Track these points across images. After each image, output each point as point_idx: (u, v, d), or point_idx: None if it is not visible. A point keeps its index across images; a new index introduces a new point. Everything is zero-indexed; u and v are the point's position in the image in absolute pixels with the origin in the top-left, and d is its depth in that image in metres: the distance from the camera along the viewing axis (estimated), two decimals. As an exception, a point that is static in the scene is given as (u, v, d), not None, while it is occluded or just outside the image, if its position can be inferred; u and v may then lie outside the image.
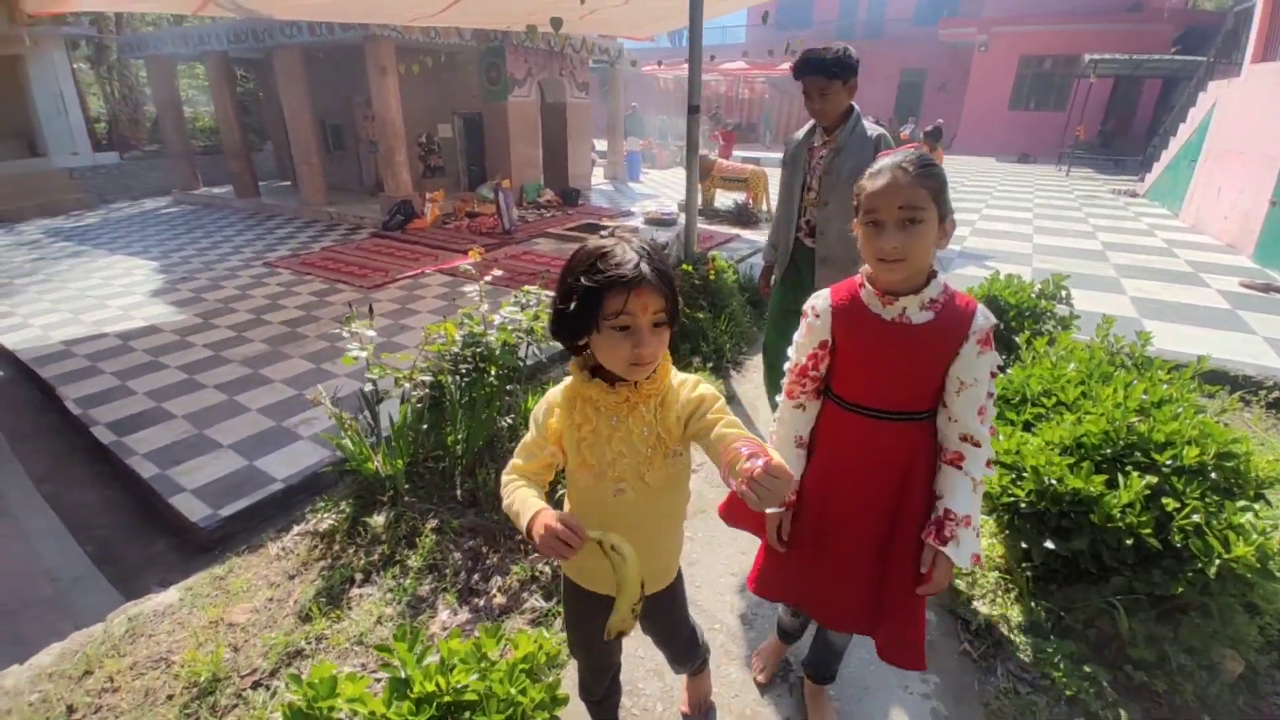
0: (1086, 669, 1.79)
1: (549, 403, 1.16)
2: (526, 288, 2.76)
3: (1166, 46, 17.96)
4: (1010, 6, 20.53)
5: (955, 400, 1.22)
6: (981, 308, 1.20)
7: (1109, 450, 1.84)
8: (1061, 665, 1.82)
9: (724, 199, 10.25)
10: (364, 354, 2.46)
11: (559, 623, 1.96)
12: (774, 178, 10.27)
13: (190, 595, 2.19)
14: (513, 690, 1.26)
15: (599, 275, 0.96)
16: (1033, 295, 3.32)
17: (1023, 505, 1.84)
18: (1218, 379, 3.57)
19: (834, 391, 1.33)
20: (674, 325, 1.05)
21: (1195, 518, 1.64)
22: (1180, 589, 1.64)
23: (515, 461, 1.16)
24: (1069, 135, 17.28)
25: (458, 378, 2.62)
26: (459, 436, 2.63)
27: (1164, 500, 1.69)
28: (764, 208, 9.67)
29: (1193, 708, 1.69)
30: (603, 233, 1.13)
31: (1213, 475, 1.72)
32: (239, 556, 2.37)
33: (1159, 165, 11.55)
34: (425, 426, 2.60)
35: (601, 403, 1.08)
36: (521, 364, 2.69)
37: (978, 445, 1.24)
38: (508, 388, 2.68)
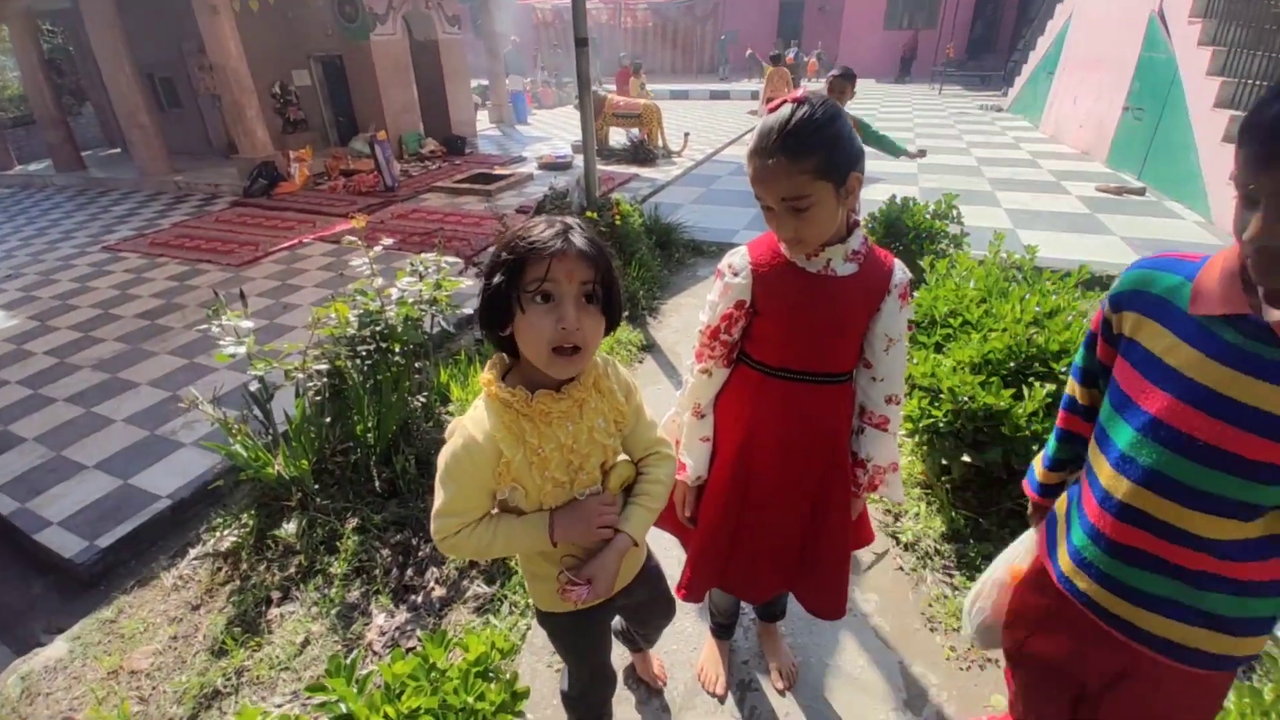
0: (1003, 566, 1.95)
1: (478, 447, 0.95)
2: (423, 256, 2.52)
3: (1020, -40, 18.81)
4: (880, -78, 20.67)
5: (883, 359, 1.19)
6: (898, 262, 1.18)
7: (1013, 364, 1.95)
8: (982, 566, 1.96)
9: (618, 136, 9.94)
10: (241, 349, 2.17)
11: (506, 607, 1.89)
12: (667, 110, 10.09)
13: (80, 645, 1.92)
14: (470, 699, 1.18)
15: (521, 245, 0.89)
16: (928, 216, 3.44)
17: (941, 426, 1.92)
18: (1089, 282, 3.91)
19: (755, 358, 1.23)
20: (612, 314, 0.96)
21: (1091, 418, 1.77)
22: (1080, 484, 1.79)
23: (446, 523, 0.98)
24: (940, 53, 17.99)
25: (358, 361, 2.39)
26: (369, 425, 2.42)
27: (1063, 406, 1.81)
28: (660, 144, 9.47)
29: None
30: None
31: (1102, 377, 1.86)
32: (128, 594, 2.10)
33: (1020, 80, 12.30)
34: (328, 419, 2.37)
35: (553, 412, 0.97)
36: (427, 337, 2.48)
37: (899, 403, 1.26)
38: (416, 365, 2.48)
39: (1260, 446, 0.76)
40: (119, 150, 11.74)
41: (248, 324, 2.31)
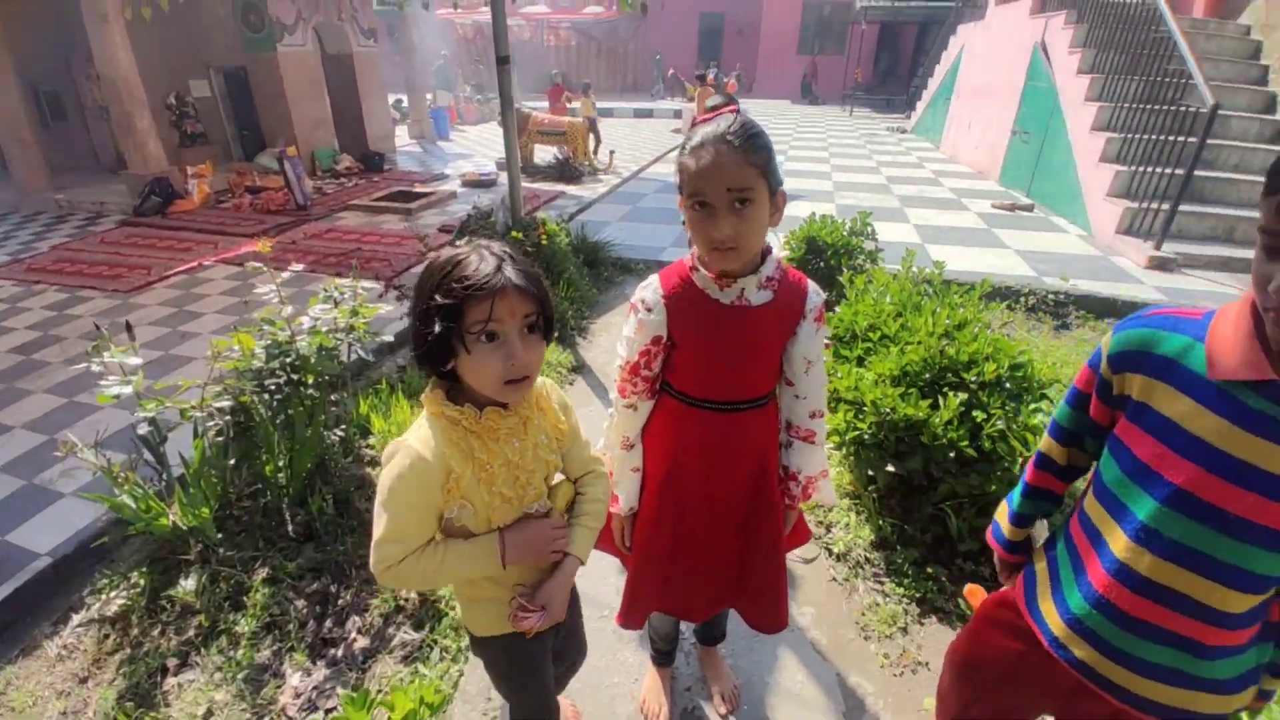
0: (929, 570, 2.03)
1: (426, 464, 0.93)
2: (338, 281, 2.38)
3: (917, -7, 20.26)
4: (790, -49, 21.74)
5: (804, 379, 1.21)
6: (812, 283, 1.19)
7: (928, 375, 2.04)
8: (909, 571, 2.03)
9: (543, 153, 9.89)
10: (127, 389, 1.97)
11: (436, 653, 1.78)
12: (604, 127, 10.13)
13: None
14: (394, 766, 1.09)
15: (456, 287, 0.86)
16: (845, 234, 3.59)
17: (866, 438, 1.98)
18: (990, 294, 4.19)
19: (676, 389, 1.22)
20: (549, 335, 0.97)
21: (1000, 425, 1.87)
22: (993, 487, 1.89)
23: (389, 551, 0.93)
24: (850, 78, 19.05)
25: (266, 396, 2.22)
26: (280, 464, 2.25)
27: (974, 413, 1.91)
28: (585, 161, 9.49)
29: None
30: (457, 242, 1.00)
31: (1008, 385, 1.98)
32: (13, 664, 1.84)
33: (921, 105, 13.18)
34: (233, 460, 2.18)
35: (501, 429, 0.98)
36: (344, 367, 2.34)
37: (823, 416, 1.28)
38: (332, 397, 2.33)
39: None
40: (-7, 167, 10.59)
41: (134, 360, 2.10)
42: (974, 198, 7.37)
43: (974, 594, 1.26)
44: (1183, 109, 4.94)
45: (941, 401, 1.92)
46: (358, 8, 10.50)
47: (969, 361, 2.03)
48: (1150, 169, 5.16)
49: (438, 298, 0.87)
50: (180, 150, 9.81)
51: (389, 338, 2.38)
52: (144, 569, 2.04)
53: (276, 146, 9.53)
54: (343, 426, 2.44)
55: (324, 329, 2.21)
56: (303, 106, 9.73)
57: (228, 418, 2.18)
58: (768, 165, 1.03)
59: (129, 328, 2.31)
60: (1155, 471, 0.80)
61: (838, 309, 2.60)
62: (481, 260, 0.88)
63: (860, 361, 2.27)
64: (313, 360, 2.14)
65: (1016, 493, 1.10)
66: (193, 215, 7.69)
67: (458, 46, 21.97)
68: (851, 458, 2.14)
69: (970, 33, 10.26)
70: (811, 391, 1.23)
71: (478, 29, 21.78)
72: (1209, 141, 4.73)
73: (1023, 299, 4.15)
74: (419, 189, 8.54)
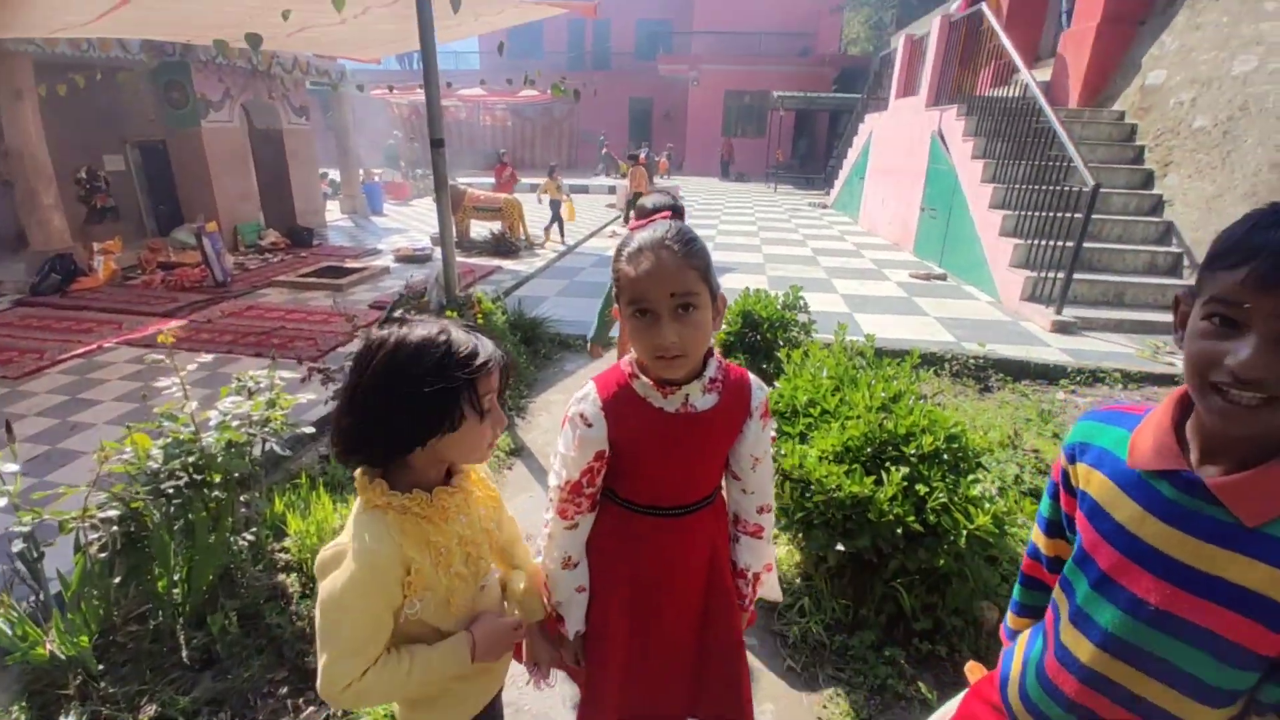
0: (886, 653, 1.97)
1: (384, 564, 0.89)
2: (252, 373, 2.21)
3: (829, 85, 22.35)
4: (712, 46, 23.66)
5: (752, 475, 1.19)
6: (754, 378, 1.17)
7: (869, 449, 2.06)
8: (867, 656, 1.97)
9: (479, 229, 9.94)
10: (2, 501, 1.71)
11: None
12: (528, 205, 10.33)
13: None
14: None
15: (471, 365, 0.90)
16: (778, 307, 3.70)
17: (815, 519, 1.95)
18: (920, 363, 4.38)
19: (621, 496, 1.17)
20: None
21: (942, 498, 1.89)
22: (941, 561, 1.88)
23: (347, 666, 0.87)
24: (771, 158, 20.45)
25: (163, 500, 1.98)
26: (177, 577, 1.99)
27: (917, 487, 1.92)
28: (522, 236, 9.59)
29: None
30: (399, 315, 1.02)
31: (945, 457, 2.01)
32: None
33: (838, 182, 14.23)
34: (118, 578, 1.92)
35: (451, 507, 0.99)
36: (255, 464, 2.13)
37: (770, 510, 1.25)
38: (242, 498, 2.11)
39: (1235, 624, 0.70)
40: None
41: (11, 466, 1.85)
42: (893, 268, 7.87)
43: (974, 670, 1.22)
44: (1067, 189, 5.50)
45: (885, 477, 1.93)
46: (289, 87, 10.51)
47: (907, 434, 2.06)
48: (1044, 242, 5.66)
49: (440, 381, 0.87)
50: (88, 226, 9.28)
51: (309, 428, 2.21)
52: (23, 703, 1.73)
53: (195, 222, 9.17)
54: (253, 529, 2.21)
55: (234, 423, 2.02)
56: (226, 181, 9.47)
57: (114, 529, 1.93)
58: (707, 269, 1.02)
59: (9, 429, 2.04)
60: (1090, 556, 0.82)
61: (777, 384, 2.63)
62: (471, 336, 0.93)
63: (802, 438, 2.27)
64: (219, 459, 1.94)
65: (1017, 583, 1.10)
66: (97, 294, 7.18)
67: (391, 126, 22.28)
68: (801, 537, 2.09)
69: (876, 120, 11.27)
70: (759, 487, 1.21)
71: (413, 109, 22.21)
72: (1094, 216, 5.27)
73: (947, 364, 4.36)
74: (350, 264, 8.35)
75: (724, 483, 1.24)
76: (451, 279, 3.96)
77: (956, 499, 1.89)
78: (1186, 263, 5.94)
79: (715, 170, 23.18)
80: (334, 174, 14.42)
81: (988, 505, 1.88)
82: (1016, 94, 6.73)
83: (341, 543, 0.91)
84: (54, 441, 3.84)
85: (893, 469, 1.94)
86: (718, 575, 1.23)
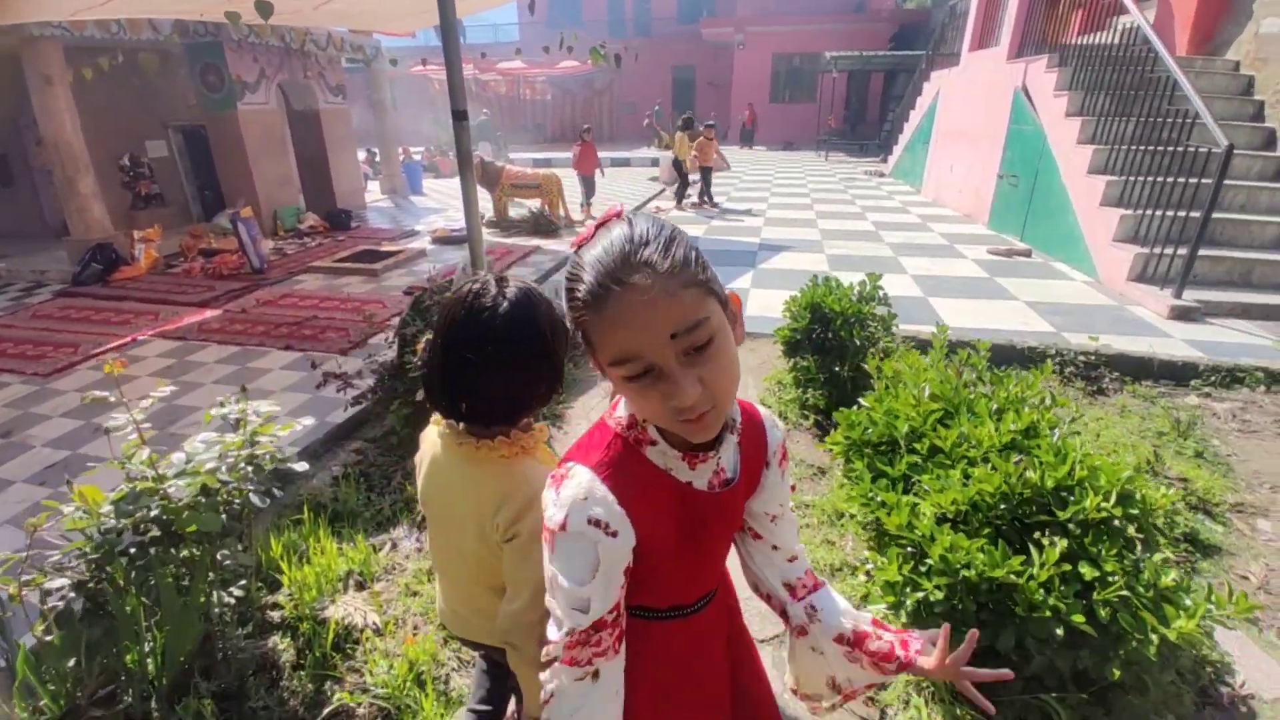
0: (1027, 781, 1.49)
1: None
2: (242, 405, 1.84)
3: (885, 43, 20.87)
4: (760, 7, 22.39)
5: (774, 529, 0.93)
6: (767, 414, 0.91)
7: (1003, 506, 1.55)
8: (1001, 782, 1.49)
9: (518, 207, 9.56)
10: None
11: None
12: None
13: None
14: None
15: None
16: (853, 299, 3.16)
17: (936, 605, 1.47)
18: (1005, 355, 3.77)
19: (631, 604, 0.81)
20: None
21: (1119, 588, 1.37)
22: (1117, 673, 1.37)
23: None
24: (822, 124, 19.30)
25: (124, 561, 1.65)
26: (151, 647, 1.67)
27: (1080, 568, 1.41)
28: (561, 213, 9.15)
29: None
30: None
31: (1117, 523, 1.49)
32: None
33: (898, 148, 13.20)
34: (72, 660, 1.60)
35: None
36: (233, 518, 1.77)
37: (801, 558, 0.97)
38: (222, 553, 1.76)
39: None
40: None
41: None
42: (967, 243, 7.09)
43: None
44: (1188, 149, 4.68)
45: (1035, 555, 1.42)
46: (324, 65, 10.25)
47: (1059, 489, 1.54)
48: (1158, 212, 4.87)
49: None
50: (133, 213, 9.32)
51: (300, 465, 1.83)
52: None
53: (236, 206, 9.09)
54: (241, 584, 1.87)
55: (206, 468, 1.66)
56: (264, 165, 9.33)
57: (70, 594, 1.61)
58: (706, 274, 0.67)
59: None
60: None
61: (863, 402, 2.12)
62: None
63: (907, 482, 1.77)
64: (185, 515, 1.58)
65: None
66: (137, 283, 7.13)
67: (437, 100, 22.06)
68: (911, 624, 1.61)
69: (945, 78, 10.26)
70: (785, 539, 0.94)
71: (453, 84, 21.90)
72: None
73: (1048, 361, 3.71)
74: (386, 247, 8.08)
75: (739, 544, 0.97)
76: (480, 267, 3.55)
77: (1140, 589, 1.38)
78: (1329, 234, 5.04)
79: (762, 139, 22.08)
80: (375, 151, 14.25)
81: (1190, 603, 1.35)
82: (1119, 41, 5.82)
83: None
84: (74, 446, 3.66)
85: (1045, 543, 1.43)
86: (742, 648, 1.01)
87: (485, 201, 10.06)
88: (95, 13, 5.11)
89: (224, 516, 1.65)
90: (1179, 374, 3.67)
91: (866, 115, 22.32)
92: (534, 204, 9.30)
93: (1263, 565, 2.18)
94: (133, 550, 1.63)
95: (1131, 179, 5.26)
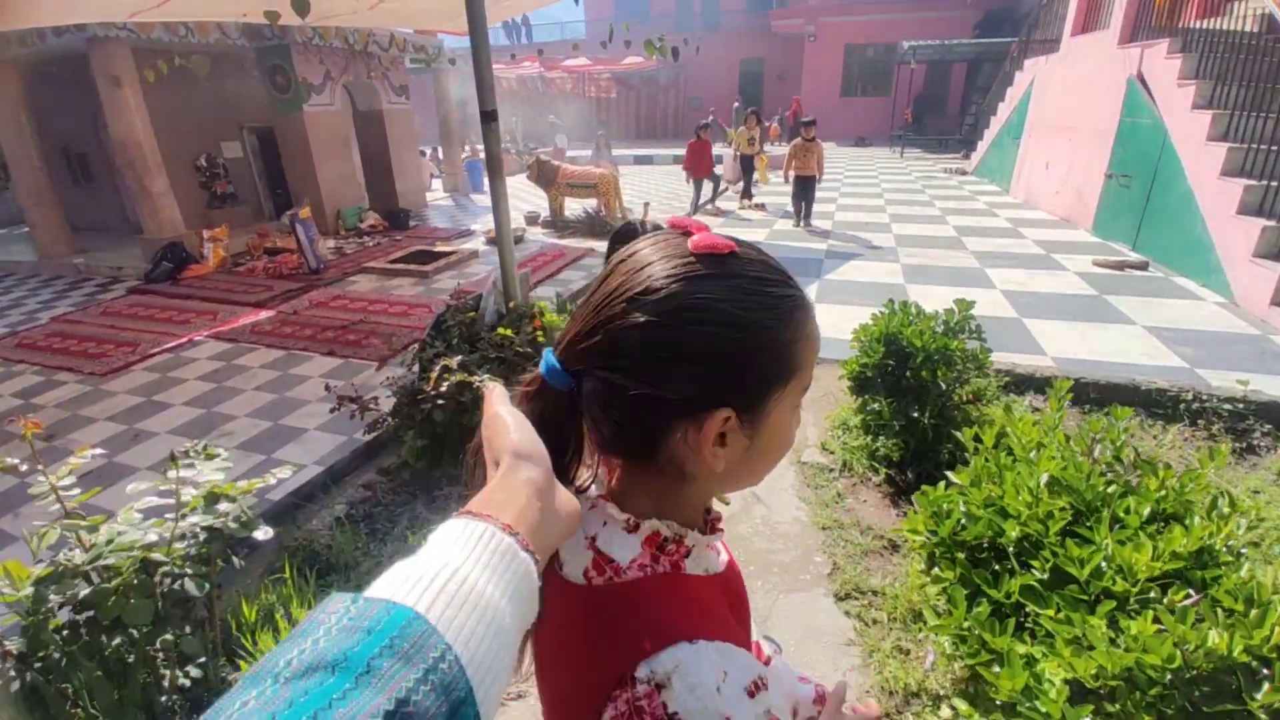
0: None
1: None
2: (208, 448, 1.57)
3: (970, 32, 19.46)
4: (832, -4, 21.36)
5: None
6: None
7: (1176, 690, 1.07)
8: None
9: (574, 207, 9.31)
10: None
11: None
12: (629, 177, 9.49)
13: None
14: None
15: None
16: (937, 331, 2.65)
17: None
18: (1126, 396, 3.15)
19: None
20: None
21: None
22: None
23: None
24: (898, 118, 18.18)
25: (59, 639, 1.41)
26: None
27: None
28: (618, 214, 8.83)
29: None
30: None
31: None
32: None
33: (983, 144, 12.16)
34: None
35: None
36: (174, 603, 1.49)
37: None
38: (162, 640, 1.50)
39: None
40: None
41: None
42: (1068, 253, 6.27)
43: None
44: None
45: (1231, 772, 0.95)
46: (388, 66, 10.32)
47: (1251, 659, 1.06)
48: (1316, 224, 4.06)
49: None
50: (209, 211, 9.67)
51: (263, 533, 1.55)
52: None
53: (302, 205, 9.27)
54: (201, 661, 1.61)
55: (144, 542, 1.40)
56: (328, 165, 9.46)
57: (10, 672, 1.38)
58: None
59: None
60: None
61: (953, 478, 1.66)
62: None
63: (1019, 614, 1.31)
64: (110, 603, 1.32)
65: None
66: (205, 281, 7.31)
67: (504, 98, 22.31)
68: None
69: (1041, 66, 9.28)
70: None
71: (521, 81, 22.03)
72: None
73: (1182, 406, 3.07)
74: (439, 248, 8.00)
75: None
76: (510, 282, 3.25)
77: None
78: None
79: (832, 136, 21.05)
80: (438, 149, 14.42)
81: None
82: (1249, 26, 4.97)
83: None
84: (114, 452, 3.62)
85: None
86: None
87: (541, 199, 9.88)
88: (142, 14, 5.14)
89: (159, 604, 1.38)
90: (1356, 430, 2.95)
91: (946, 110, 20.92)
92: (590, 204, 9.03)
93: None
94: (65, 631, 1.39)
95: (1275, 184, 4.42)
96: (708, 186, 9.86)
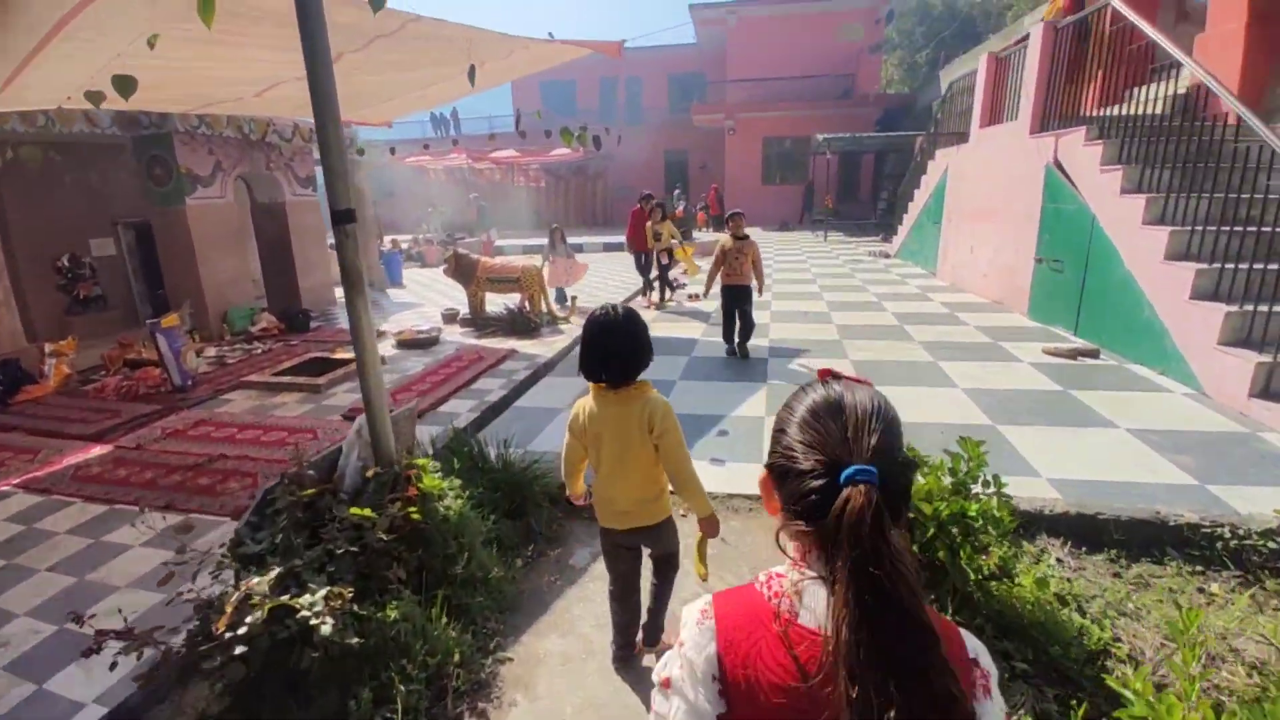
0: None
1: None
2: None
3: (873, 126, 20.92)
4: (749, 93, 22.65)
5: None
6: None
7: None
8: None
9: (495, 303, 8.62)
10: None
11: None
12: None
13: None
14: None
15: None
16: (945, 483, 2.01)
17: None
18: (1151, 534, 2.58)
19: None
20: None
21: None
22: None
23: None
24: (819, 204, 18.93)
25: None
26: None
27: None
28: (543, 309, 8.19)
29: None
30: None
31: None
32: None
33: (903, 227, 12.50)
34: None
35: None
36: None
37: None
38: None
39: None
40: None
41: None
42: (1013, 339, 6.02)
43: None
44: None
45: None
46: (291, 156, 9.61)
47: None
48: (1275, 308, 3.83)
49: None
50: (68, 318, 8.38)
51: None
52: None
53: (181, 307, 8.15)
54: None
55: None
56: (215, 262, 8.46)
57: None
58: None
59: None
60: None
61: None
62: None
63: None
64: None
65: None
66: (40, 405, 6.01)
67: (432, 187, 21.97)
68: None
69: (952, 155, 9.61)
70: None
71: (448, 172, 21.83)
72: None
73: (1219, 544, 2.51)
74: (339, 355, 7.02)
75: None
76: (381, 431, 2.42)
77: None
78: None
79: (756, 222, 21.70)
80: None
81: None
82: (1160, 110, 5.07)
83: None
84: None
85: None
86: None
87: (460, 296, 9.14)
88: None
89: None
90: None
91: (859, 195, 22.13)
92: (512, 299, 8.37)
93: None
94: None
95: (1229, 266, 4.26)
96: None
